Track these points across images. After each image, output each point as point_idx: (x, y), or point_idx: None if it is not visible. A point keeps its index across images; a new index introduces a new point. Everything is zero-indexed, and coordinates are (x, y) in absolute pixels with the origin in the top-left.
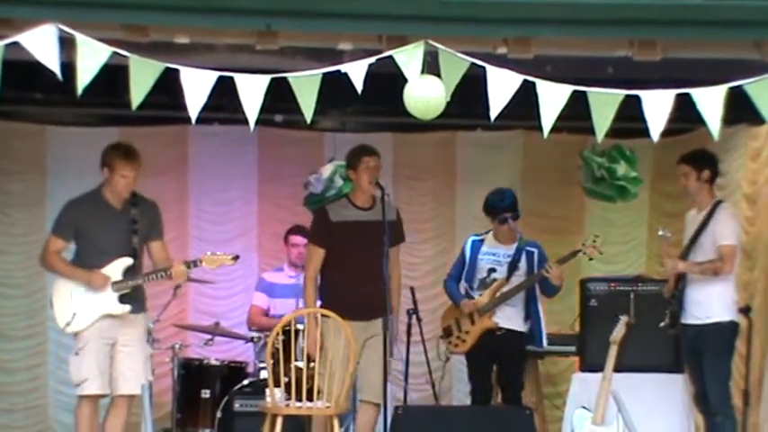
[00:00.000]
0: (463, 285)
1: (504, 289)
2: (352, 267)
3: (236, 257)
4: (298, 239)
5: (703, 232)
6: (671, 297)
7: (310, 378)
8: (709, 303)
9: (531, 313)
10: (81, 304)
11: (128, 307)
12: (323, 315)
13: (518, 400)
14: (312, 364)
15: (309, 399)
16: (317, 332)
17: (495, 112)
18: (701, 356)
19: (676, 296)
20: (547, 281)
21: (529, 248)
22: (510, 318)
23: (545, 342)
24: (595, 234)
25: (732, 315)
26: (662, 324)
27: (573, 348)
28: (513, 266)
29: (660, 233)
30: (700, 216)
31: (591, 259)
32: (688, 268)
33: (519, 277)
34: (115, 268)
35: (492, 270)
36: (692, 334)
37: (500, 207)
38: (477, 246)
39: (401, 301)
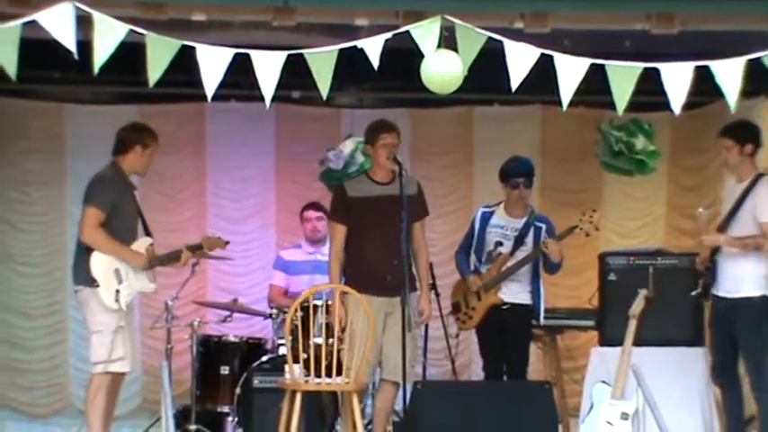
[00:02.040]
0: (472, 259)
1: (509, 264)
2: (373, 242)
3: (227, 243)
4: (311, 214)
5: (743, 205)
6: (705, 269)
7: (329, 354)
8: (742, 277)
9: (533, 288)
10: (122, 281)
11: (156, 285)
12: (344, 291)
13: (523, 374)
14: (331, 341)
15: (328, 375)
16: (339, 308)
17: (515, 84)
18: (731, 329)
19: (710, 268)
20: (547, 256)
21: (537, 223)
22: (515, 293)
23: (542, 318)
24: (593, 209)
25: (764, 289)
26: (693, 293)
27: (592, 323)
28: (519, 241)
29: (700, 210)
30: (739, 187)
31: (588, 235)
32: (729, 242)
33: (524, 252)
34: (140, 247)
35: (499, 243)
36: (723, 306)
37: (515, 172)
38: (486, 218)
39: (433, 275)
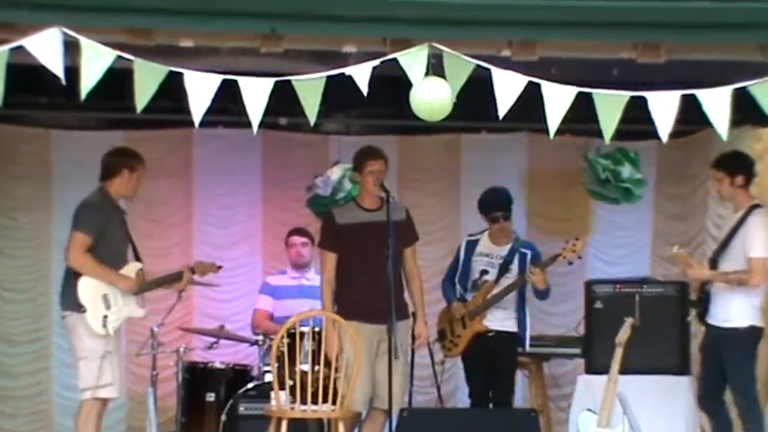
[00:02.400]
0: (457, 288)
1: (494, 291)
2: (362, 269)
3: (220, 267)
4: (296, 239)
5: (735, 236)
6: (697, 299)
7: (315, 381)
8: (729, 307)
9: (518, 315)
10: (110, 307)
11: (146, 310)
12: (334, 319)
13: (509, 402)
14: (317, 367)
15: (314, 402)
16: (333, 336)
17: (502, 112)
18: (720, 358)
19: (702, 298)
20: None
21: (523, 250)
22: (500, 320)
23: (527, 345)
24: (576, 237)
25: (752, 320)
26: (688, 318)
27: (578, 350)
28: (504, 268)
29: (674, 251)
30: (734, 218)
31: (571, 263)
32: (714, 277)
33: (509, 279)
34: (130, 272)
35: (484, 272)
36: (712, 335)
37: (492, 206)
38: (471, 247)
39: (425, 299)
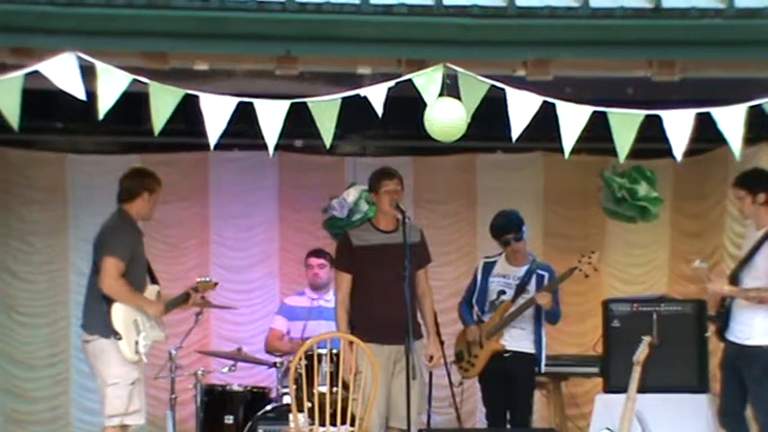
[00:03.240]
0: (475, 309)
1: (511, 310)
2: (378, 291)
3: (216, 284)
4: (313, 261)
5: (758, 252)
6: (716, 314)
7: (334, 403)
8: (753, 325)
9: (535, 336)
10: (140, 332)
11: (166, 333)
12: (351, 341)
13: (526, 422)
14: (335, 389)
15: (333, 423)
16: (350, 358)
17: (516, 133)
18: (740, 375)
19: (722, 314)
20: (542, 307)
21: (540, 271)
22: (518, 340)
23: (543, 366)
24: (591, 250)
25: None
26: (706, 335)
27: (596, 369)
28: (520, 289)
29: (696, 265)
30: (757, 234)
31: (587, 276)
32: (733, 293)
33: (526, 300)
34: (151, 295)
35: (502, 292)
36: (732, 352)
37: (503, 229)
38: (488, 268)
39: (437, 323)
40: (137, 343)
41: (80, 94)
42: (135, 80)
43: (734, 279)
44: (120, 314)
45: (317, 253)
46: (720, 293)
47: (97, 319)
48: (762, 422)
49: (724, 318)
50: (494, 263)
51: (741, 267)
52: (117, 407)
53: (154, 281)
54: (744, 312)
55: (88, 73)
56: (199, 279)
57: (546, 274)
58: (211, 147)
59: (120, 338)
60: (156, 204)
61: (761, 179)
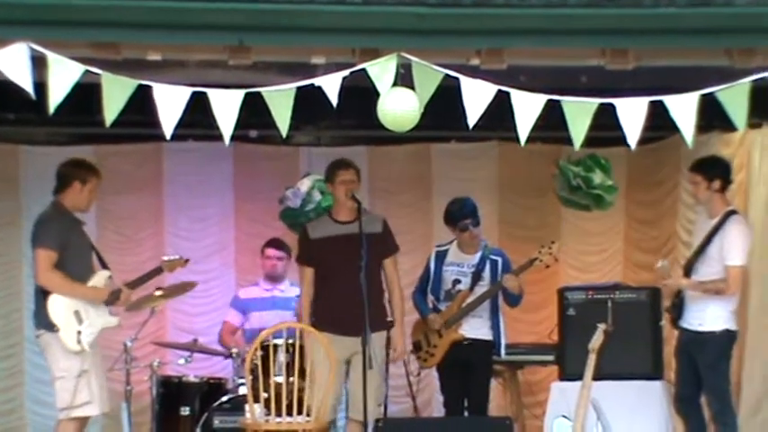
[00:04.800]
0: (430, 298)
1: (469, 300)
2: (337, 282)
3: (187, 260)
4: (271, 252)
5: (711, 243)
6: (671, 304)
7: (290, 393)
8: (704, 312)
9: (492, 323)
10: (82, 321)
11: (119, 319)
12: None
13: (483, 410)
14: (292, 379)
15: (289, 414)
16: (308, 348)
17: (471, 122)
18: (694, 362)
19: (676, 304)
20: (507, 290)
21: (493, 257)
22: (476, 328)
23: (503, 352)
24: (551, 240)
25: (726, 324)
26: (661, 323)
27: (552, 357)
28: (476, 276)
29: (659, 266)
30: (710, 224)
31: (548, 266)
32: (691, 287)
33: (483, 287)
34: (99, 281)
35: (457, 281)
36: (686, 338)
37: (459, 214)
38: (441, 257)
39: (404, 312)
40: (79, 333)
41: (28, 86)
42: (87, 71)
43: (688, 269)
44: (56, 306)
45: (275, 243)
46: (678, 287)
47: (41, 313)
48: (714, 408)
49: (678, 307)
50: (446, 251)
51: (696, 257)
52: (65, 400)
53: (105, 266)
54: (697, 300)
55: (39, 64)
56: (165, 258)
57: (499, 259)
58: (167, 137)
59: (57, 330)
60: (92, 196)
61: (717, 166)
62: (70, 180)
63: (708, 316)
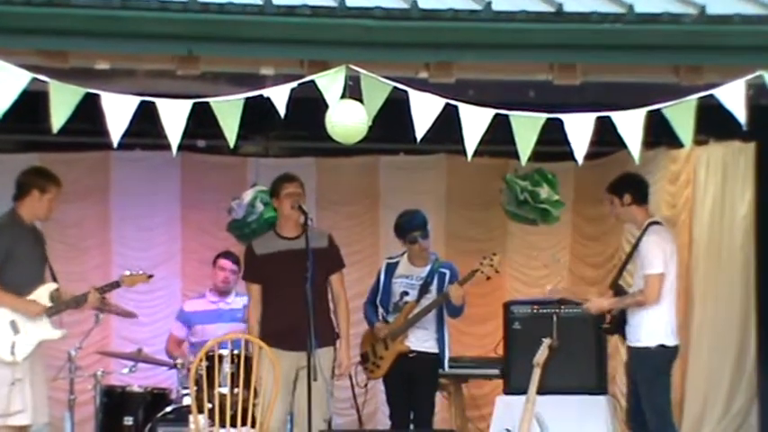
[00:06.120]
0: (380, 310)
1: (415, 311)
2: (282, 298)
3: (151, 276)
4: (224, 263)
5: (634, 254)
6: (609, 323)
7: (234, 404)
8: (640, 327)
9: (438, 336)
10: (18, 332)
11: (64, 331)
12: (257, 344)
13: (428, 422)
14: (236, 390)
15: (233, 425)
16: (255, 361)
17: (419, 134)
18: (634, 378)
19: (614, 324)
20: (450, 301)
21: (442, 270)
22: (422, 340)
23: (446, 366)
24: (493, 252)
25: (662, 339)
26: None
27: (497, 371)
28: (424, 289)
29: (549, 289)
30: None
31: (489, 278)
32: (611, 305)
33: (429, 299)
34: (42, 294)
35: (405, 293)
36: (628, 355)
37: (409, 227)
38: (391, 269)
39: (350, 325)
40: (14, 344)
41: None
42: (35, 79)
43: (615, 286)
44: None
45: (231, 257)
46: (601, 309)
47: None
48: (653, 424)
49: (618, 324)
50: (396, 263)
51: (619, 274)
52: (0, 407)
53: (54, 279)
54: (633, 316)
55: None
56: (127, 273)
57: (448, 272)
58: (114, 146)
59: None
60: (51, 205)
61: (623, 181)
62: (29, 188)
63: (643, 332)
